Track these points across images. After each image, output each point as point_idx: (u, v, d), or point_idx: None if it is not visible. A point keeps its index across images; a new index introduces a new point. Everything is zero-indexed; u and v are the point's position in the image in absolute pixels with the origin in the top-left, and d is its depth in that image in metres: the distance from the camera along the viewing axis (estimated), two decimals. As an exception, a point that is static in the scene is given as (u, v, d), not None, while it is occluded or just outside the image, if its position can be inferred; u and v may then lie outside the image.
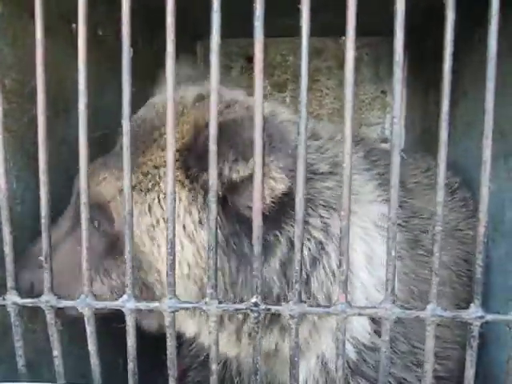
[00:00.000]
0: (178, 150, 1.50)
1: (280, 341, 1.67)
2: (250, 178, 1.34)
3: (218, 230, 1.50)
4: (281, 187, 1.43)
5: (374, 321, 1.72)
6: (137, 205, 1.56)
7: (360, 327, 1.76)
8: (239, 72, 3.70)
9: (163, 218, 1.54)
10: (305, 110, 1.14)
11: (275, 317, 1.58)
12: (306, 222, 1.57)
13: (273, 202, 1.46)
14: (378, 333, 1.74)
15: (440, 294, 1.21)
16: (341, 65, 3.74)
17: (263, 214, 1.23)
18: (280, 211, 1.52)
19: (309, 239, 1.61)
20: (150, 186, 1.58)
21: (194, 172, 1.51)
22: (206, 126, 1.35)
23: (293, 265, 1.34)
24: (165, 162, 1.49)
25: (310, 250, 1.61)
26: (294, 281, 1.19)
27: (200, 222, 1.53)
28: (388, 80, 3.66)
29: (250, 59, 3.61)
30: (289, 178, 1.40)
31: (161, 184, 1.56)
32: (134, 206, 1.52)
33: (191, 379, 2.12)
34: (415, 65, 3.45)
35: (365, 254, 1.70)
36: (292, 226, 1.55)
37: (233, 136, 1.36)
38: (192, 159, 1.50)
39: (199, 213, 1.54)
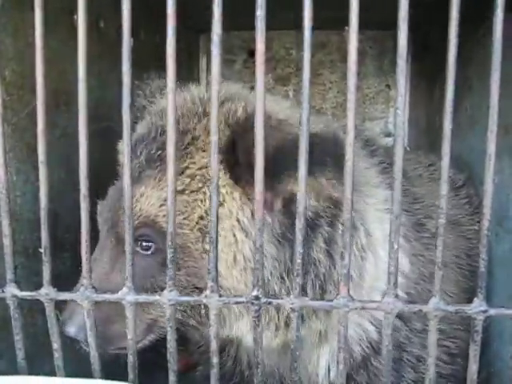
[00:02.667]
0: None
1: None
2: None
3: (275, 224, 1.56)
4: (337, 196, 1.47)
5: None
6: (189, 205, 1.56)
7: (368, 324, 1.78)
8: (242, 65, 3.68)
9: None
10: (307, 102, 1.12)
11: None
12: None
13: None
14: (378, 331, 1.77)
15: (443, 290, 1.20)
16: (344, 58, 3.74)
17: None
18: None
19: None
20: (199, 186, 1.57)
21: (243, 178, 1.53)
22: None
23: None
24: (207, 164, 1.54)
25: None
26: (295, 274, 1.18)
27: (253, 216, 1.53)
28: (392, 74, 3.64)
29: (252, 53, 3.58)
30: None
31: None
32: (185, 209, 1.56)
33: (200, 374, 2.12)
34: (419, 60, 3.43)
35: (383, 236, 1.70)
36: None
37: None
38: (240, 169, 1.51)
39: (251, 208, 1.54)
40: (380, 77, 3.64)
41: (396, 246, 1.17)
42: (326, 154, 1.37)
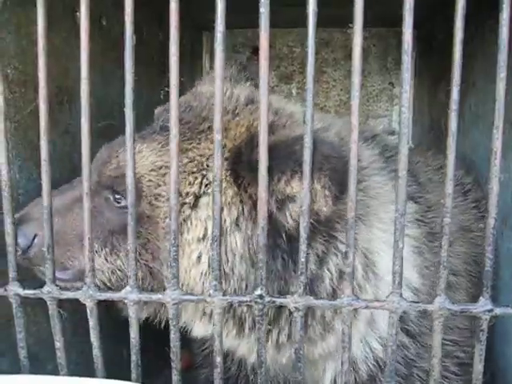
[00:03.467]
0: (229, 151, 1.53)
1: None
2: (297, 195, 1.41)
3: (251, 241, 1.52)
4: (326, 210, 1.42)
5: (401, 318, 1.71)
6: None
7: (386, 325, 1.75)
8: (246, 62, 3.66)
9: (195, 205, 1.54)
10: (311, 99, 1.12)
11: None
12: (334, 237, 1.57)
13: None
14: (404, 330, 1.74)
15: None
16: (348, 56, 3.74)
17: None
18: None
19: (335, 254, 1.57)
20: (194, 170, 1.56)
21: (242, 178, 1.51)
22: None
23: (319, 282, 1.52)
24: (211, 154, 1.52)
25: (337, 264, 1.57)
26: (298, 273, 1.17)
27: (237, 223, 1.52)
28: (396, 72, 3.62)
29: (255, 50, 3.58)
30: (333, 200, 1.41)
31: (204, 172, 1.54)
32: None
33: (204, 377, 2.10)
34: (424, 58, 3.41)
35: (389, 257, 1.68)
36: (320, 243, 1.56)
37: (291, 153, 1.37)
38: (242, 165, 1.50)
39: (238, 213, 1.52)
40: (384, 75, 3.63)
41: (401, 245, 1.16)
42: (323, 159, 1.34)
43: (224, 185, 1.50)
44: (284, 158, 1.37)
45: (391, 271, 1.66)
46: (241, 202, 1.51)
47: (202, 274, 1.52)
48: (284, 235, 1.51)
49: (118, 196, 1.58)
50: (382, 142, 2.02)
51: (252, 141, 1.46)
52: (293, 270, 1.51)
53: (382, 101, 3.66)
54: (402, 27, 1.09)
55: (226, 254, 1.50)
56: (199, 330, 1.68)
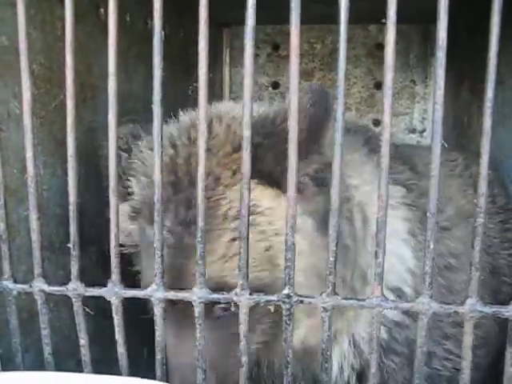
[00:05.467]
0: None
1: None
2: None
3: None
4: None
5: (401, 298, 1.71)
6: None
7: None
8: (265, 59, 3.64)
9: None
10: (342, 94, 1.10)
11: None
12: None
13: None
14: (405, 312, 1.73)
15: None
16: (369, 53, 3.70)
17: None
18: None
19: None
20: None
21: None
22: None
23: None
24: None
25: None
26: (327, 272, 1.15)
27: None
28: (417, 69, 3.58)
29: (276, 47, 3.54)
30: None
31: None
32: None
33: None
34: (448, 54, 3.37)
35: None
36: None
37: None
38: None
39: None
40: (405, 72, 3.58)
41: (432, 246, 1.14)
42: None
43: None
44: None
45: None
46: None
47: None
48: None
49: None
50: (366, 133, 2.01)
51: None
52: None
53: (403, 98, 3.61)
54: (437, 23, 1.07)
55: None
56: None
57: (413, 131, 3.60)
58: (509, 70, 2.34)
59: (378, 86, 3.54)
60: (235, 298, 1.18)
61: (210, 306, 1.38)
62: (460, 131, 3.07)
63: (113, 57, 1.15)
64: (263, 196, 1.47)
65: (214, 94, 3.53)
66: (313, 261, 1.47)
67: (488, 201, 2.29)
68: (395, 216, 1.75)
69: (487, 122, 1.09)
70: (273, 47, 3.59)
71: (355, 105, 3.62)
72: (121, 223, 1.23)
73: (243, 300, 1.18)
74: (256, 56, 3.65)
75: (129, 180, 1.64)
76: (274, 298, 1.18)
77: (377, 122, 3.50)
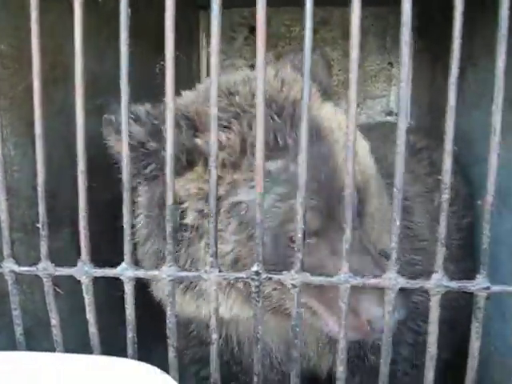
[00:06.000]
0: None
1: None
2: None
3: None
4: None
5: None
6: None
7: None
8: (242, 43, 3.63)
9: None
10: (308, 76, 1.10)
11: None
12: None
13: None
14: None
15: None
16: (346, 35, 3.68)
17: None
18: None
19: None
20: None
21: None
22: None
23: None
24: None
25: None
26: (296, 249, 1.16)
27: None
28: (395, 52, 3.58)
29: (253, 30, 3.53)
30: None
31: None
32: None
33: (191, 357, 2.10)
34: (422, 38, 3.38)
35: None
36: None
37: None
38: None
39: None
40: (382, 54, 3.59)
41: (398, 222, 1.15)
42: None
43: None
44: None
45: None
46: None
47: None
48: None
49: None
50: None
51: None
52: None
53: (380, 81, 3.62)
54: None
55: None
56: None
57: (389, 113, 3.61)
58: (483, 53, 2.36)
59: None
60: (204, 276, 1.19)
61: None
62: (436, 114, 3.09)
63: (79, 37, 1.14)
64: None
65: (192, 76, 3.51)
66: None
67: (426, 163, 2.34)
68: None
69: (452, 98, 1.09)
70: (249, 30, 3.58)
71: (333, 87, 3.61)
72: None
73: (212, 277, 1.19)
74: (233, 39, 3.65)
75: None
76: (242, 275, 1.19)
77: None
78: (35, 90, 1.18)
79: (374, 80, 3.59)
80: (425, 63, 3.37)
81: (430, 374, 1.24)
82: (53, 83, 1.87)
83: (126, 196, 1.19)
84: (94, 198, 1.88)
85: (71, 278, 1.26)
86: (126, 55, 1.13)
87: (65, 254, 1.79)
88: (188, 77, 3.43)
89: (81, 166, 1.21)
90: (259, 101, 1.11)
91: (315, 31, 3.56)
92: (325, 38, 3.56)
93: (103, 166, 1.65)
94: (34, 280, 1.29)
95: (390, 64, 3.62)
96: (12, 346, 1.36)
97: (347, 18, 1.07)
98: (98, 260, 1.26)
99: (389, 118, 3.59)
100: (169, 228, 1.18)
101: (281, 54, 3.58)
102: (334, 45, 3.60)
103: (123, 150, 1.16)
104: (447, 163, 1.12)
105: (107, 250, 1.63)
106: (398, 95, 1.12)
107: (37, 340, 1.65)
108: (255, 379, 1.27)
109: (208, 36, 3.62)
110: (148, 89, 1.71)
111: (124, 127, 1.16)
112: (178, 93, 1.34)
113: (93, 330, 1.29)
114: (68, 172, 1.80)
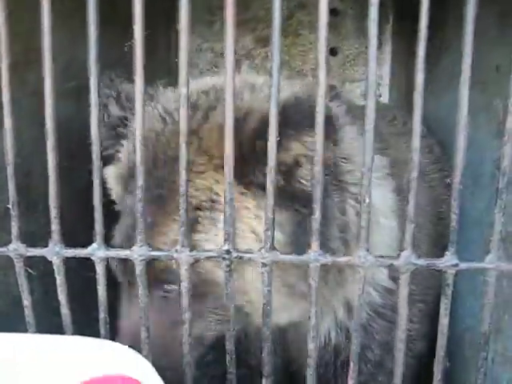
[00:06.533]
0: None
1: None
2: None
3: None
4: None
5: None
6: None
7: (380, 273, 1.80)
8: (220, 26, 3.60)
9: None
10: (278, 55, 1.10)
11: None
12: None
13: None
14: (391, 277, 1.79)
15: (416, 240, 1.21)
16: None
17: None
18: None
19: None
20: None
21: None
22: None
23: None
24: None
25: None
26: (265, 228, 1.17)
27: None
28: (372, 35, 3.58)
29: (232, 13, 3.49)
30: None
31: None
32: None
33: None
34: (400, 23, 3.40)
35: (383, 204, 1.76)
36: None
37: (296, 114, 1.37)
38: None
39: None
40: (361, 38, 3.58)
41: (367, 200, 1.16)
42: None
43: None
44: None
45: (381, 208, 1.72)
46: None
47: None
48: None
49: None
50: (345, 99, 2.03)
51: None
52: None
53: (359, 64, 3.61)
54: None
55: None
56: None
57: (368, 97, 3.61)
58: (456, 33, 2.37)
59: (333, 52, 3.54)
60: (175, 255, 1.20)
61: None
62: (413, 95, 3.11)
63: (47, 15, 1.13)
64: None
65: (169, 60, 3.48)
66: None
67: (426, 151, 2.36)
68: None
69: (419, 77, 1.10)
70: (228, 13, 3.55)
71: (311, 71, 3.61)
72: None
73: (183, 257, 1.19)
74: (211, 23, 3.62)
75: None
76: (213, 253, 1.20)
77: (332, 88, 3.51)
78: (3, 71, 1.17)
79: (352, 63, 3.58)
80: (402, 47, 3.39)
81: (400, 355, 1.26)
82: (25, 65, 1.84)
83: (96, 173, 1.19)
84: (73, 182, 1.89)
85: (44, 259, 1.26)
86: (95, 37, 1.12)
87: (39, 237, 1.78)
88: (164, 59, 3.39)
89: (50, 144, 1.20)
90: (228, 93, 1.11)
91: (292, 15, 3.54)
92: (301, 21, 3.54)
93: (83, 149, 1.64)
94: (8, 262, 1.29)
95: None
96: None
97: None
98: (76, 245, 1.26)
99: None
100: (139, 208, 1.18)
101: (260, 38, 3.58)
102: (312, 28, 3.58)
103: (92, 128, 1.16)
104: (415, 142, 1.13)
105: (85, 234, 1.63)
106: (367, 74, 1.13)
107: (11, 322, 1.64)
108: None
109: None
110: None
111: (93, 107, 1.15)
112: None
113: (65, 310, 1.29)
114: (42, 155, 1.79)
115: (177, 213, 1.19)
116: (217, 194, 1.50)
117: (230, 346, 1.28)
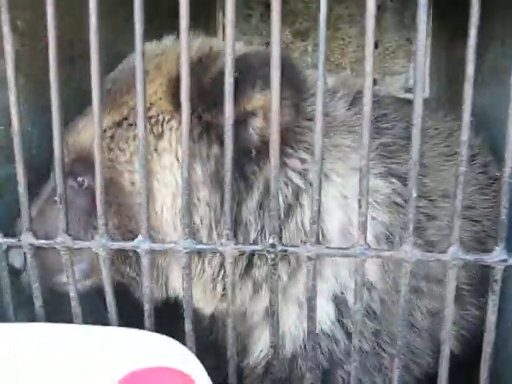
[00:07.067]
0: (167, 85, 1.49)
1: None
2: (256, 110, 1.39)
3: (212, 165, 1.46)
4: (286, 119, 1.38)
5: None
6: (129, 140, 1.50)
7: (347, 274, 1.66)
8: (258, 20, 3.59)
9: (156, 150, 1.47)
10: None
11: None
12: (283, 164, 1.51)
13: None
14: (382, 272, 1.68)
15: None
16: (363, 12, 3.63)
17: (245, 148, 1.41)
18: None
19: (286, 184, 1.53)
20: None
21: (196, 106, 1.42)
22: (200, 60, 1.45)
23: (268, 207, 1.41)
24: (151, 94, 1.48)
25: (286, 196, 1.53)
26: (311, 221, 1.16)
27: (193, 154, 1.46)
28: (413, 27, 3.52)
29: (269, 6, 3.46)
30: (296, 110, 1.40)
31: (148, 113, 1.47)
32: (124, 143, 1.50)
33: None
34: (440, 15, 3.33)
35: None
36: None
37: (246, 67, 1.32)
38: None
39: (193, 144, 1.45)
40: (401, 31, 3.53)
41: (415, 194, 1.14)
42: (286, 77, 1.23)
43: (167, 117, 1.48)
44: (241, 74, 1.28)
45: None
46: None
47: (175, 214, 1.48)
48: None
49: (80, 179, 1.54)
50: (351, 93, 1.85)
51: (200, 64, 1.43)
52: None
53: (399, 57, 3.57)
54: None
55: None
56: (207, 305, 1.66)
57: (409, 90, 3.56)
58: (503, 25, 2.32)
59: (374, 45, 3.49)
60: (220, 248, 1.20)
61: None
62: (455, 88, 3.05)
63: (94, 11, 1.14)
64: None
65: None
66: None
67: (480, 171, 2.22)
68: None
69: (470, 68, 1.08)
70: (266, 7, 3.54)
71: (350, 64, 3.58)
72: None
73: (228, 250, 1.20)
74: (249, 16, 3.62)
75: None
76: (258, 247, 1.20)
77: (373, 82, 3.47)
78: (51, 67, 1.18)
79: (392, 56, 3.54)
80: (444, 37, 3.32)
81: (446, 349, 1.24)
82: (70, 62, 1.87)
83: (141, 168, 1.20)
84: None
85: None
86: (141, 34, 1.13)
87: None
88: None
89: (97, 140, 1.21)
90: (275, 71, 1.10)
91: (331, 9, 3.51)
92: (342, 15, 3.52)
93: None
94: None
95: (409, 40, 3.56)
96: (32, 320, 1.38)
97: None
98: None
99: (408, 95, 3.55)
100: (185, 203, 1.18)
101: (299, 31, 3.56)
102: (352, 22, 3.55)
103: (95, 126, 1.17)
104: (465, 134, 1.11)
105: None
106: (415, 67, 1.11)
107: (54, 312, 1.67)
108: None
109: (225, 13, 3.57)
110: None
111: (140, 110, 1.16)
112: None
113: (110, 300, 1.30)
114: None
115: None
116: None
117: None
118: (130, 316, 1.35)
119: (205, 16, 3.51)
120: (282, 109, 1.25)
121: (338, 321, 1.66)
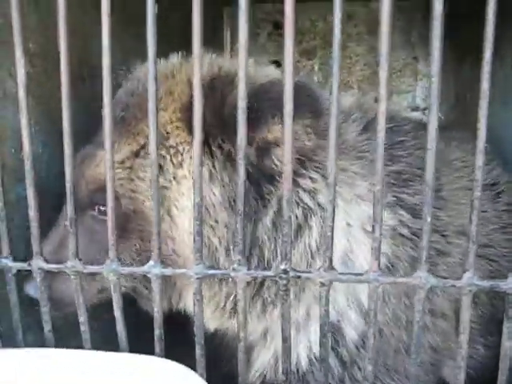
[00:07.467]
0: (180, 111, 1.50)
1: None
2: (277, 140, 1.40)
3: (229, 189, 1.48)
4: (309, 144, 1.42)
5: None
6: (147, 169, 1.48)
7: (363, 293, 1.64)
8: (266, 39, 3.61)
9: (174, 178, 1.48)
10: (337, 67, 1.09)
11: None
12: (295, 184, 1.51)
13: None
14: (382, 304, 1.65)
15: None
16: (371, 30, 3.66)
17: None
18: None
19: (297, 203, 1.53)
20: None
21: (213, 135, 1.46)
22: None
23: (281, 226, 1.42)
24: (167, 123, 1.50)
25: (296, 217, 1.52)
26: (324, 247, 1.15)
27: (211, 179, 1.48)
28: (420, 46, 3.54)
29: (276, 25, 3.51)
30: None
31: (166, 143, 1.49)
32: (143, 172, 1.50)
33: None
34: (448, 35, 3.34)
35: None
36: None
37: (266, 98, 1.33)
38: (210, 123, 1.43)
39: (211, 171, 1.48)
40: (407, 49, 3.55)
41: (429, 219, 1.13)
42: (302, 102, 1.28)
43: (187, 147, 1.49)
44: (261, 104, 1.32)
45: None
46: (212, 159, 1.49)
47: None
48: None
49: (102, 208, 1.53)
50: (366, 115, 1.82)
51: (214, 90, 1.44)
52: None
53: (406, 76, 3.58)
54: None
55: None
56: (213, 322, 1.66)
57: (415, 109, 3.57)
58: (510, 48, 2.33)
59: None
60: (232, 274, 1.19)
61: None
62: (462, 108, 3.05)
63: (106, 31, 1.14)
64: None
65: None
66: None
67: (504, 209, 2.14)
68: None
69: (485, 85, 1.07)
70: (273, 26, 3.56)
71: (357, 82, 3.59)
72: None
73: (240, 275, 1.18)
74: (256, 35, 3.63)
75: None
76: (270, 273, 1.18)
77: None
78: (63, 88, 1.18)
79: (399, 75, 3.55)
80: (451, 57, 3.33)
81: (461, 376, 1.22)
82: (80, 82, 1.88)
83: (154, 192, 1.19)
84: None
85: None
86: (154, 55, 1.13)
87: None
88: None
89: (108, 159, 1.20)
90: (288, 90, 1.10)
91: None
92: (350, 34, 3.54)
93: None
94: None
95: (416, 59, 3.58)
96: (40, 343, 1.36)
97: (372, 13, 1.06)
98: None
99: (415, 114, 3.55)
100: (196, 226, 1.17)
101: (305, 50, 3.58)
102: (360, 40, 3.57)
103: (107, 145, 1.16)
104: (480, 160, 1.10)
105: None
106: (429, 89, 1.10)
107: (64, 338, 1.66)
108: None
109: (232, 32, 3.61)
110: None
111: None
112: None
113: (120, 327, 1.29)
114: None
115: None
116: None
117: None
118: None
119: (210, 29, 3.52)
120: (305, 135, 1.34)
121: (333, 349, 1.64)
